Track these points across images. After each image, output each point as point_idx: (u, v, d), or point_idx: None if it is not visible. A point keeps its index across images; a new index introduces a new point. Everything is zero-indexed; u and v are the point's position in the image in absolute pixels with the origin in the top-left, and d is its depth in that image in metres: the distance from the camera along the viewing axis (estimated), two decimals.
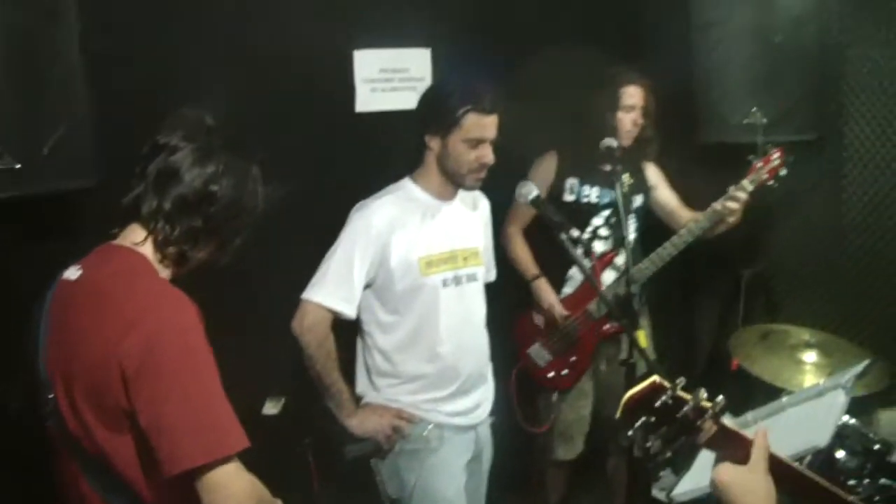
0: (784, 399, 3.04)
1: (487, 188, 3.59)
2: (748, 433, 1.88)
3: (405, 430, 3.42)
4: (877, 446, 3.15)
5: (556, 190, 4.33)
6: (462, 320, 3.50)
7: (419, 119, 3.46)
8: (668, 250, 4.15)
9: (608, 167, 4.10)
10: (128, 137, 2.39)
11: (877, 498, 3.06)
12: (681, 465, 2.81)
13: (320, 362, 3.34)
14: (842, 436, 3.18)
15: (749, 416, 2.98)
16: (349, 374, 3.50)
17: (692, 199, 4.22)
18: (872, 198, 4.62)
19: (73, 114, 3.13)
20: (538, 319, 4.33)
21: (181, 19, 3.80)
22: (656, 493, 4.03)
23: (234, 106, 3.65)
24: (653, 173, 4.51)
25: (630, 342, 3.43)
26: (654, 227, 4.44)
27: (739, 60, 4.46)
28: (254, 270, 3.69)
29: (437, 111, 3.38)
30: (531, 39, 4.65)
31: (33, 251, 3.18)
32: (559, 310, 4.27)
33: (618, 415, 1.88)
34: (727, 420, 1.86)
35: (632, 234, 4.38)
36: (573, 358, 4.40)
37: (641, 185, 4.42)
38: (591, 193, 4.35)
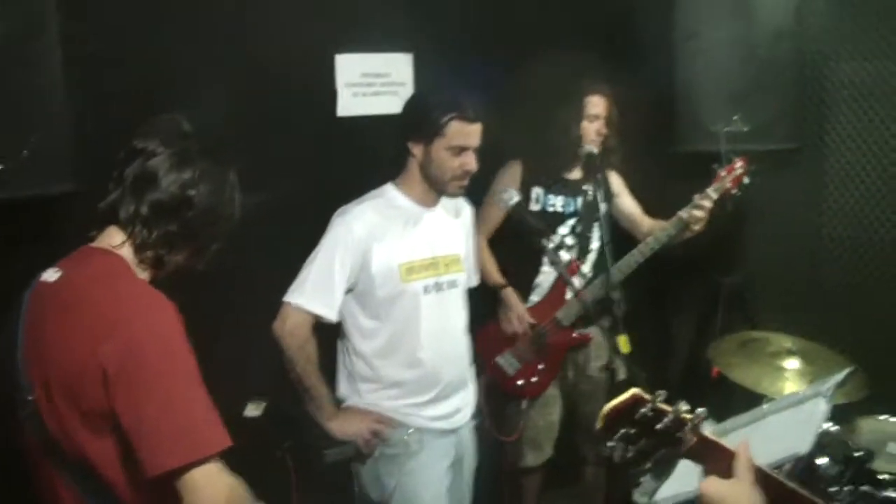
0: (765, 406, 3.04)
1: None
2: (729, 444, 1.88)
3: (385, 434, 3.42)
4: (857, 454, 3.16)
5: None
6: (442, 327, 3.51)
7: (402, 125, 3.47)
8: (634, 257, 4.17)
9: (575, 175, 4.21)
10: (111, 142, 2.37)
11: None
12: (661, 472, 2.82)
13: (300, 365, 3.34)
14: (822, 444, 3.18)
15: (729, 423, 2.98)
16: (330, 378, 3.51)
17: (672, 206, 4.23)
18: (853, 207, 4.66)
19: (52, 118, 3.13)
20: (506, 328, 4.31)
21: (168, 22, 3.77)
22: (638, 498, 4.04)
23: (215, 109, 3.68)
24: (616, 182, 4.52)
25: (611, 348, 3.43)
26: (619, 236, 4.44)
27: (721, 70, 4.51)
28: (236, 273, 3.67)
29: (421, 118, 3.39)
30: (514, 46, 4.66)
31: (12, 254, 3.16)
32: (527, 318, 4.26)
33: (598, 426, 1.87)
34: (707, 430, 1.86)
35: (596, 242, 4.41)
36: (541, 366, 4.40)
37: (606, 194, 4.42)
38: (557, 202, 4.37)
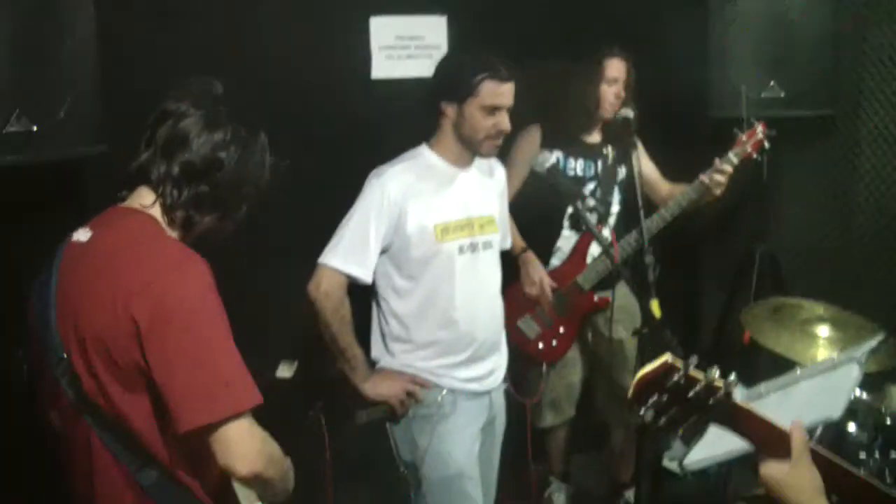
0: (798, 371, 3.04)
1: None
2: (763, 410, 1.88)
3: (419, 395, 3.44)
4: (888, 421, 3.17)
5: None
6: (477, 287, 3.51)
7: (435, 86, 3.46)
8: (655, 222, 4.18)
9: (594, 139, 4.31)
10: (141, 104, 2.38)
11: (887, 471, 3.08)
12: (691, 437, 2.82)
13: (335, 326, 3.35)
14: (853, 410, 3.19)
15: (762, 387, 2.97)
16: (364, 340, 3.51)
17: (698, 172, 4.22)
18: (890, 174, 4.62)
19: (83, 82, 3.15)
20: (527, 292, 4.31)
21: None
22: (667, 463, 4.05)
23: (248, 73, 3.70)
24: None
25: (644, 313, 3.43)
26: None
27: (756, 36, 4.48)
28: (271, 235, 3.71)
29: (454, 78, 3.38)
30: (546, 10, 4.64)
31: (45, 216, 3.19)
32: (548, 282, 4.27)
33: (629, 394, 1.87)
34: (739, 394, 1.86)
35: (616, 206, 4.43)
36: (562, 329, 4.43)
37: (624, 158, 4.43)
38: (577, 166, 4.38)
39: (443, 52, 4.49)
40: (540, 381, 4.42)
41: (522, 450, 4.14)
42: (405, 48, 4.49)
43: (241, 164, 2.33)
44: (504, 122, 3.37)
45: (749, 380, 2.90)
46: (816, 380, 2.96)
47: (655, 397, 1.83)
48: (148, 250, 2.20)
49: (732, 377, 1.82)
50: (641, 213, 3.92)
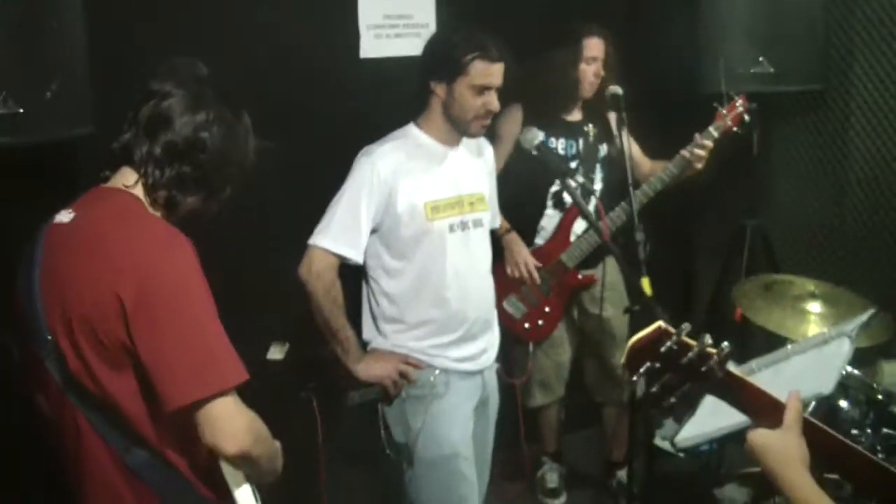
0: (789, 347, 3.05)
1: None
2: (756, 383, 1.88)
3: (412, 376, 3.43)
4: (880, 397, 3.17)
5: None
6: (468, 266, 3.50)
7: (425, 64, 3.44)
8: (638, 198, 4.14)
9: (575, 117, 4.36)
10: (130, 86, 2.37)
11: (879, 447, 3.09)
12: (683, 412, 2.83)
13: (327, 308, 3.33)
14: (845, 386, 3.19)
15: (754, 363, 2.99)
16: (355, 321, 3.50)
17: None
18: (879, 149, 4.62)
19: (72, 62, 3.12)
20: (511, 272, 4.30)
21: None
22: (659, 441, 4.06)
23: (237, 52, 3.67)
24: (615, 123, 4.49)
25: (634, 290, 3.42)
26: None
27: (745, 10, 4.46)
28: (259, 215, 3.69)
29: (443, 57, 3.36)
30: None
31: (34, 198, 3.17)
32: (532, 262, 4.25)
33: (622, 360, 1.87)
34: (732, 368, 1.86)
35: (598, 184, 4.42)
36: (547, 308, 4.42)
37: (606, 135, 4.45)
38: (558, 145, 4.37)
39: (431, 31, 4.46)
40: (528, 361, 4.44)
41: (515, 430, 4.15)
42: (393, 27, 4.46)
43: (225, 144, 2.32)
44: (493, 101, 3.36)
45: (741, 356, 2.91)
46: (808, 355, 2.97)
47: (648, 364, 1.83)
48: (133, 230, 2.19)
49: (725, 344, 1.82)
50: (631, 188, 3.91)
